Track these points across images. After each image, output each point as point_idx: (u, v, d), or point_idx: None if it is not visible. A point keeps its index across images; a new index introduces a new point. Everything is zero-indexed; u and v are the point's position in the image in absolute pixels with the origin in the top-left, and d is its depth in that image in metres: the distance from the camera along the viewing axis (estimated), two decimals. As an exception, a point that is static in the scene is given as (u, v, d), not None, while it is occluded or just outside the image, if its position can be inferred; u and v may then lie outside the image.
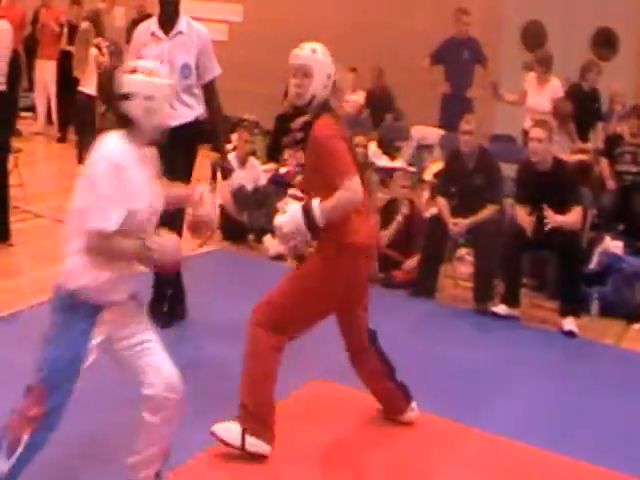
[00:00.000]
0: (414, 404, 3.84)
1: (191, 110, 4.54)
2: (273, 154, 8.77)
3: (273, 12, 10.43)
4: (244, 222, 6.48)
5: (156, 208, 2.91)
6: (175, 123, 4.07)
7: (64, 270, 2.85)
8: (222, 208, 6.57)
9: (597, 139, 7.76)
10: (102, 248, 2.75)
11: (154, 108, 2.81)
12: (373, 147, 7.92)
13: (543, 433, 3.89)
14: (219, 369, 4.26)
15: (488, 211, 5.60)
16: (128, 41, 8.39)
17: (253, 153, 7.32)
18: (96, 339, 2.83)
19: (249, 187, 6.64)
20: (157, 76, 2.84)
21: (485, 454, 3.70)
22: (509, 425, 3.94)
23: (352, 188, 3.21)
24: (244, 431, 3.39)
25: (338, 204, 3.22)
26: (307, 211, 3.23)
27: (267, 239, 6.23)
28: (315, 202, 3.24)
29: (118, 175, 2.72)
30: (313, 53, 3.40)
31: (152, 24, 4.38)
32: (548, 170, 5.37)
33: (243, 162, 6.76)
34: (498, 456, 3.69)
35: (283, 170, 7.79)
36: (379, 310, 5.36)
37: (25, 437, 2.76)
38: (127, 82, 2.80)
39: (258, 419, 3.41)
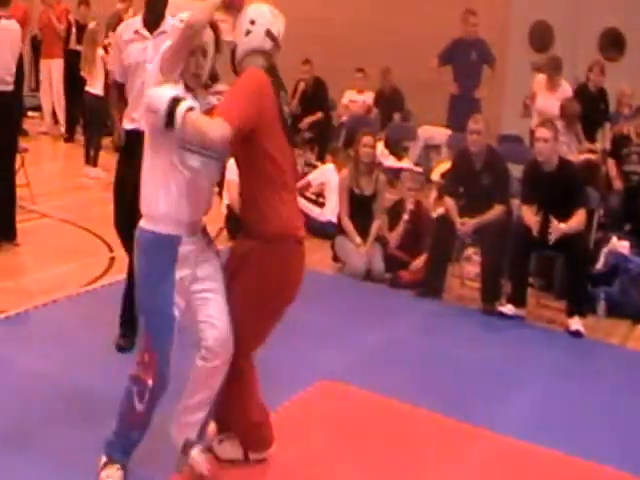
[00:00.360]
0: None
1: None
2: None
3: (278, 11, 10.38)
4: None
5: None
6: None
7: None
8: (229, 207, 6.58)
9: (605, 139, 7.73)
10: None
11: None
12: (380, 147, 7.91)
13: (550, 433, 3.87)
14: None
15: (495, 211, 5.58)
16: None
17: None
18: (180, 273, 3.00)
19: (256, 186, 6.60)
20: None
21: (491, 454, 3.68)
22: (516, 425, 3.92)
23: (218, 128, 2.84)
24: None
25: (196, 126, 2.86)
26: (174, 103, 2.87)
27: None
28: (185, 108, 2.86)
29: None
30: None
31: (136, 22, 4.29)
32: (554, 170, 5.35)
33: (250, 162, 6.72)
34: (505, 456, 3.67)
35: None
36: (386, 310, 5.41)
37: (149, 382, 3.00)
38: None
39: None
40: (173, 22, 3.12)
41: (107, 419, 3.15)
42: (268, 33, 3.16)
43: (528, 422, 3.99)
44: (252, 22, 3.15)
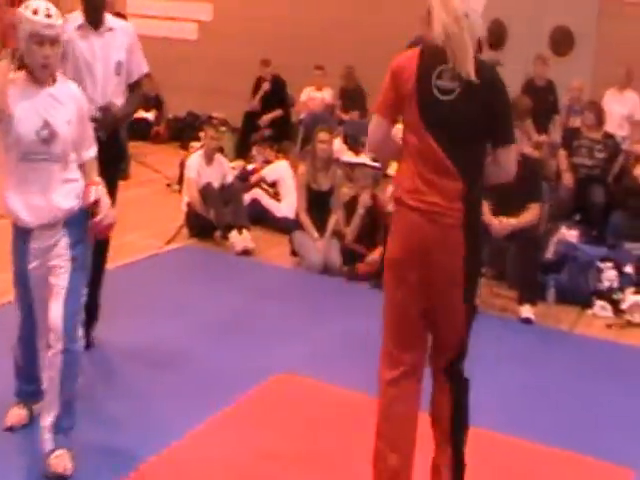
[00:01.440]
0: None
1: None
2: (241, 151, 8.75)
3: (242, 11, 10.38)
4: (211, 219, 6.43)
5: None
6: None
7: None
8: (189, 205, 6.55)
9: (555, 132, 7.83)
10: None
11: None
12: (338, 143, 7.92)
13: (504, 416, 3.91)
14: (195, 363, 4.23)
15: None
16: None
17: (221, 150, 7.28)
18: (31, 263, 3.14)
19: (216, 184, 6.60)
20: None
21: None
22: (471, 411, 3.95)
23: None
24: None
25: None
26: None
27: (233, 235, 6.20)
28: None
29: None
30: None
31: (77, 18, 3.97)
32: None
33: (210, 159, 6.71)
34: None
35: (250, 167, 7.77)
36: (343, 302, 5.42)
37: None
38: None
39: None
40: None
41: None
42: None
43: (483, 407, 4.01)
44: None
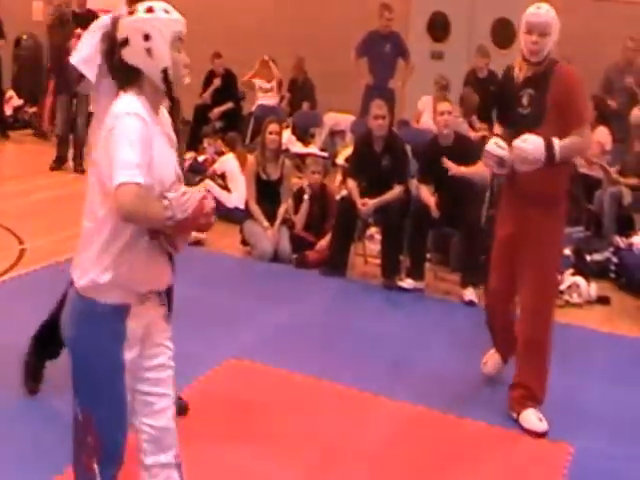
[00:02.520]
0: None
1: None
2: (192, 143, 8.67)
3: (191, 6, 10.25)
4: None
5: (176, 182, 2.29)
6: None
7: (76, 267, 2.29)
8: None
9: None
10: (135, 209, 2.12)
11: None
12: (287, 134, 7.90)
13: (448, 397, 3.96)
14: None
15: (395, 191, 5.66)
16: (51, 36, 8.08)
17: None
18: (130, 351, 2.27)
19: (167, 175, 6.52)
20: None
21: (391, 420, 3.74)
22: (416, 391, 4.00)
23: (587, 135, 3.67)
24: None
25: (572, 147, 3.55)
26: (549, 146, 3.45)
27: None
28: (555, 140, 3.46)
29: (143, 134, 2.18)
30: (551, 12, 3.69)
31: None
32: (451, 144, 5.49)
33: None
34: (404, 421, 3.74)
35: (201, 158, 7.71)
36: (293, 289, 5.42)
37: (95, 467, 2.30)
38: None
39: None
40: None
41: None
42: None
43: (427, 388, 4.07)
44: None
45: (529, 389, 3.75)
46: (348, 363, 4.25)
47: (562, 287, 5.55)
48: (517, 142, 3.47)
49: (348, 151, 7.14)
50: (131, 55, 2.24)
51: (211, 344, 4.29)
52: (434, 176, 5.54)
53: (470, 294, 5.32)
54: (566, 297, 5.51)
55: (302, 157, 7.48)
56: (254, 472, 3.22)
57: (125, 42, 2.24)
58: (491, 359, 4.20)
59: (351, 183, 5.77)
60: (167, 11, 2.30)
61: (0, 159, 8.50)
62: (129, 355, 2.26)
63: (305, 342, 4.48)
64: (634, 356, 4.77)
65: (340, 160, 7.31)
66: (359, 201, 5.62)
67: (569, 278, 5.60)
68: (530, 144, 3.45)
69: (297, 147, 8.05)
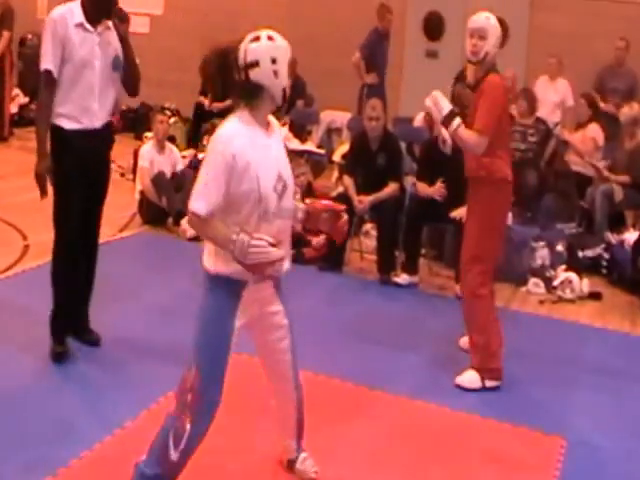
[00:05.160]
0: None
1: (114, 108, 4.08)
2: (193, 140, 8.61)
3: (193, 3, 10.21)
4: (163, 206, 6.32)
5: (281, 189, 2.62)
6: (99, 123, 3.80)
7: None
8: (142, 193, 6.42)
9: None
10: (198, 231, 2.66)
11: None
12: (285, 131, 7.83)
13: (441, 390, 3.93)
14: (148, 344, 4.17)
15: (390, 188, 5.61)
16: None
17: (172, 139, 7.14)
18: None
19: (168, 172, 6.48)
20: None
21: (388, 414, 3.70)
22: (411, 385, 3.97)
23: (478, 143, 3.75)
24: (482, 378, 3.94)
25: (464, 137, 3.79)
26: (450, 116, 3.78)
27: (185, 222, 6.08)
28: (458, 120, 3.77)
29: (225, 161, 2.51)
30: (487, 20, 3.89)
31: (76, 15, 3.67)
32: (451, 153, 5.42)
33: (162, 148, 6.60)
34: (400, 415, 3.70)
35: (201, 156, 7.64)
36: (292, 284, 5.35)
37: (188, 427, 2.60)
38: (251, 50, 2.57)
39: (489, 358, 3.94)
40: None
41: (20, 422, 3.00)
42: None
43: (422, 381, 4.04)
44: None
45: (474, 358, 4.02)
46: (344, 357, 4.21)
47: (555, 283, 5.52)
48: (437, 93, 3.85)
49: (344, 148, 7.09)
50: (259, 75, 2.56)
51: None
52: (431, 176, 5.50)
53: (464, 289, 5.28)
54: (559, 292, 5.47)
55: (299, 154, 7.40)
56: (252, 465, 3.17)
57: (255, 64, 2.55)
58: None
59: (347, 180, 5.72)
60: (282, 40, 2.65)
61: (5, 156, 8.42)
62: None
63: (302, 336, 4.37)
64: (625, 350, 4.74)
65: (336, 157, 7.25)
66: (355, 198, 5.58)
67: (562, 274, 5.57)
68: (443, 102, 3.82)
69: (294, 144, 7.97)
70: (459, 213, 5.09)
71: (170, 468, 2.64)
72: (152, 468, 2.65)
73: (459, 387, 3.97)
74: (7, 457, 3.04)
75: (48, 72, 3.65)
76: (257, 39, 2.59)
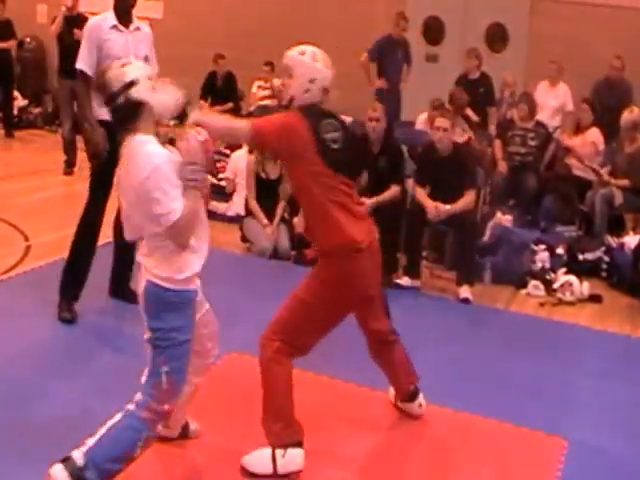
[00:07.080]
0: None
1: None
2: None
3: (192, 8, 10.22)
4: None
5: None
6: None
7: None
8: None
9: (491, 123, 7.88)
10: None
11: None
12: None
13: (445, 391, 3.92)
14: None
15: (391, 191, 5.62)
16: (60, 39, 8.02)
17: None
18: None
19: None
20: None
21: (390, 414, 3.71)
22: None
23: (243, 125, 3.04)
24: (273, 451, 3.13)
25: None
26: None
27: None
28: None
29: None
30: (300, 55, 3.11)
31: (109, 19, 4.30)
32: (448, 155, 5.43)
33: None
34: (402, 416, 3.70)
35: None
36: (291, 285, 5.35)
37: (159, 429, 2.84)
38: None
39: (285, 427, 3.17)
40: None
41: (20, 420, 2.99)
42: (324, 90, 3.11)
43: (425, 382, 4.03)
44: (312, 81, 3.08)
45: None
46: (345, 358, 4.20)
47: (555, 285, 5.53)
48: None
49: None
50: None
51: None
52: (430, 179, 5.52)
53: (465, 292, 5.29)
54: (559, 295, 5.48)
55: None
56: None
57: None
58: None
59: (349, 183, 5.71)
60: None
61: (6, 158, 8.43)
62: None
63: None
64: (625, 353, 4.75)
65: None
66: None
67: (562, 276, 5.58)
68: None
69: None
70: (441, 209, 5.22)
71: (129, 459, 2.69)
72: (106, 452, 2.63)
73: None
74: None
75: (81, 71, 4.26)
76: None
